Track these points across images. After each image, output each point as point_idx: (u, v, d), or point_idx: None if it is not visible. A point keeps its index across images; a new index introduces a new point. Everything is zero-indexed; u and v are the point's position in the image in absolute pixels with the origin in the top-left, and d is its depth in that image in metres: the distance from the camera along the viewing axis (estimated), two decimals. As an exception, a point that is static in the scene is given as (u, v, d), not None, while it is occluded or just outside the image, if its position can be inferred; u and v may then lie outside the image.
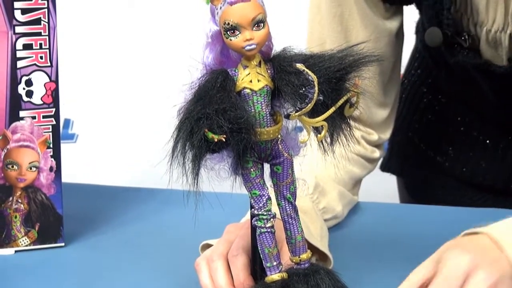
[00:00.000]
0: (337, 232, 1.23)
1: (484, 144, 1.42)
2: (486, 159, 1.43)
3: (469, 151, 1.44)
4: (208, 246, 1.14)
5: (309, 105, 0.97)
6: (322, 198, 1.26)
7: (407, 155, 1.56)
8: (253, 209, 1.01)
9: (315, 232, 1.17)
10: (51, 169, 1.24)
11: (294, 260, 1.03)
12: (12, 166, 1.23)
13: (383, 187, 1.63)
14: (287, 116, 0.99)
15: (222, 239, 1.12)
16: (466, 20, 1.28)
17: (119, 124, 2.22)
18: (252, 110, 0.98)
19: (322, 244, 1.15)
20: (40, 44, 1.22)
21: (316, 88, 0.96)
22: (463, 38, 1.29)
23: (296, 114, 0.98)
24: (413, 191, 1.59)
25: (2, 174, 1.23)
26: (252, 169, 0.99)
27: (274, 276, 1.01)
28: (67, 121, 2.22)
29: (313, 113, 0.99)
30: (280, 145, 1.00)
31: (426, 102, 1.44)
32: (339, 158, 1.12)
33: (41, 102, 1.23)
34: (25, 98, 1.22)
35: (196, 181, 0.97)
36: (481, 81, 1.34)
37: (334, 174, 1.28)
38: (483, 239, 1.01)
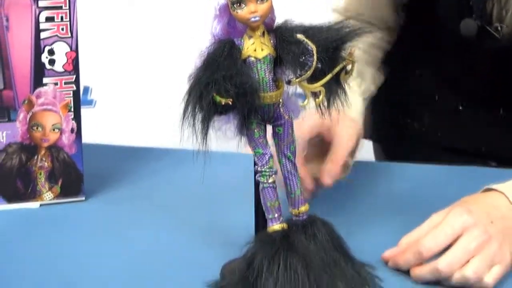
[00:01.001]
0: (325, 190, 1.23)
1: (457, 110, 1.41)
2: (460, 124, 1.42)
3: (443, 117, 1.43)
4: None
5: (308, 72, 0.98)
6: (362, 80, 1.32)
7: (385, 122, 1.56)
8: (256, 166, 1.01)
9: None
10: (72, 130, 1.25)
11: (293, 212, 1.04)
12: (37, 128, 1.24)
13: (360, 154, 1.62)
14: (288, 82, 1.00)
15: None
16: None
17: (133, 90, 2.22)
18: (256, 76, 0.98)
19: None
20: (61, 17, 1.22)
21: (315, 57, 0.96)
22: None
23: (297, 80, 0.99)
24: (391, 156, 1.58)
25: (28, 135, 1.24)
26: (255, 130, 1.00)
27: (275, 227, 1.02)
28: (86, 88, 2.22)
29: (311, 79, 0.99)
30: (281, 108, 1.01)
31: (403, 73, 1.42)
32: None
33: (63, 70, 1.23)
34: (48, 66, 1.22)
35: (205, 141, 0.98)
36: (476, 59, 1.34)
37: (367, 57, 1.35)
38: (496, 195, 1.09)
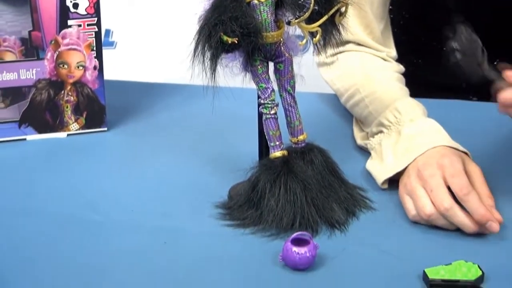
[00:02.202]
0: (310, 120, 1.22)
1: (441, 51, 1.39)
2: (443, 63, 1.40)
3: (427, 57, 1.42)
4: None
5: (306, 13, 0.97)
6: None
7: None
8: (260, 99, 1.02)
9: None
10: (95, 67, 1.25)
11: (293, 141, 1.04)
12: (63, 65, 1.24)
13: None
14: (288, 23, 1.00)
15: (435, 184, 1.02)
16: None
17: (149, 33, 2.20)
18: (259, 18, 0.98)
19: None
20: (84, -36, 1.21)
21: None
22: None
23: (296, 21, 0.98)
24: None
25: (55, 72, 1.24)
26: (259, 66, 1.00)
27: (276, 153, 1.02)
28: (107, 31, 2.20)
29: (309, 21, 0.99)
30: (282, 47, 1.01)
31: (392, 17, 1.38)
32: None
33: (85, 13, 1.22)
34: (72, 9, 1.22)
35: (213, 76, 0.98)
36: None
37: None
38: None
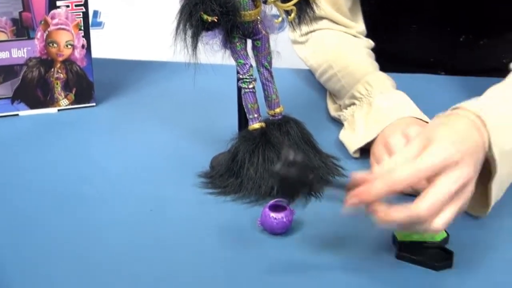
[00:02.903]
0: (286, 94, 1.23)
1: (410, 28, 1.39)
2: (411, 39, 1.40)
3: (400, 35, 1.41)
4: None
5: (282, -7, 0.97)
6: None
7: None
8: (239, 74, 1.02)
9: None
10: (83, 46, 1.24)
11: (270, 113, 1.04)
12: (53, 44, 1.23)
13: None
14: (265, 2, 1.00)
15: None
16: None
17: (135, 13, 2.19)
18: (238, -3, 0.97)
19: None
20: None
21: (287, -21, 0.96)
22: None
23: (272, 0, 0.98)
24: None
25: (45, 51, 1.23)
26: (238, 43, 1.00)
27: (255, 125, 1.03)
28: (95, 12, 2.19)
29: (285, 0, 0.99)
30: (259, 25, 1.01)
31: None
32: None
33: (73, -7, 1.22)
34: (60, -10, 1.21)
35: (195, 53, 0.98)
36: None
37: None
38: (470, 117, 0.87)
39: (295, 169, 0.82)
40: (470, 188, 0.83)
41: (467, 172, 0.82)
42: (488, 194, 0.91)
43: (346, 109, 1.16)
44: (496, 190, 0.91)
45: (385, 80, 1.15)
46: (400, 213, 0.81)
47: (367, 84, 1.14)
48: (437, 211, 0.80)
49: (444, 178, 0.81)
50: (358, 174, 0.83)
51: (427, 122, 1.07)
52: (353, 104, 1.15)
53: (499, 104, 0.93)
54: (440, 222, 0.81)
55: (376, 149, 1.05)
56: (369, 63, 1.20)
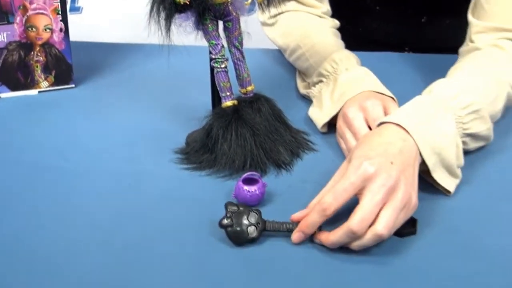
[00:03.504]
0: (257, 73, 1.22)
1: (374, 9, 1.40)
2: (377, 20, 1.41)
3: (362, 15, 1.41)
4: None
5: (251, -24, 0.97)
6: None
7: None
8: (211, 55, 1.01)
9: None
10: (61, 30, 1.23)
11: (242, 91, 1.04)
12: (32, 28, 1.22)
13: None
14: (235, -15, 0.99)
15: (357, 125, 1.01)
16: None
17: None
18: (209, -20, 0.97)
19: None
20: None
21: (256, -38, 0.96)
22: None
23: (241, -17, 0.98)
24: None
25: (25, 35, 1.22)
26: (209, 25, 0.99)
27: (228, 103, 1.02)
28: (74, -3, 2.17)
29: (254, -18, 0.99)
30: (230, 7, 1.00)
31: None
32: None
33: (51, -21, 1.20)
34: (38, -24, 1.20)
35: (168, 35, 0.97)
36: None
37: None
38: (391, 128, 0.90)
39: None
40: (404, 188, 0.84)
41: (387, 178, 0.83)
42: (436, 183, 0.94)
43: (314, 86, 1.16)
44: (440, 175, 0.93)
45: (350, 58, 1.15)
46: (336, 234, 0.83)
47: (333, 62, 1.14)
48: (368, 222, 0.82)
49: (367, 192, 0.83)
50: (296, 214, 0.88)
51: (387, 96, 1.07)
52: (321, 81, 1.15)
53: (418, 109, 0.94)
54: (380, 227, 0.82)
55: (338, 123, 1.05)
56: (334, 42, 1.20)
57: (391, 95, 1.08)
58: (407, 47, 1.41)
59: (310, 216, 0.85)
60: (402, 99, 1.09)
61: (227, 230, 0.86)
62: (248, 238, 0.86)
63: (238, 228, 0.86)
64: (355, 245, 0.83)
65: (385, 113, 1.02)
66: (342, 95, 1.08)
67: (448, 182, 0.94)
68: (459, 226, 0.90)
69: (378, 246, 0.86)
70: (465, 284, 0.81)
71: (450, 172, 0.94)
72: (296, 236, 0.86)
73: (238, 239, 0.86)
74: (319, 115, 1.10)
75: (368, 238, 0.82)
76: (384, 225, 0.82)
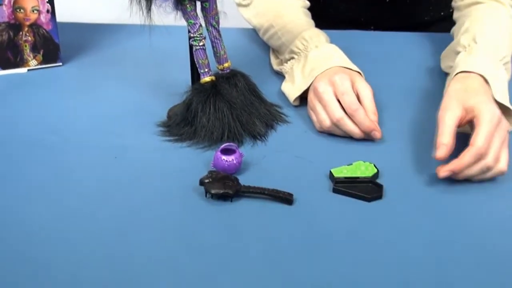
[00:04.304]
0: (233, 50, 1.22)
1: None
2: (344, 2, 1.40)
3: None
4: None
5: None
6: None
7: None
8: (190, 33, 1.01)
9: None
10: (48, 11, 1.22)
11: (219, 68, 1.04)
12: (20, 10, 1.20)
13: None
14: (211, -33, 0.98)
15: (327, 99, 1.02)
16: None
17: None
18: (186, -37, 0.96)
19: None
20: None
21: None
22: None
23: (218, -35, 0.97)
24: None
25: (13, 16, 1.20)
26: (188, 5, 0.99)
27: (206, 79, 1.02)
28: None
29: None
30: (207, -12, 1.00)
31: None
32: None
33: (37, -37, 1.19)
34: (25, -39, 1.18)
35: (149, 15, 0.97)
36: None
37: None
38: (479, 80, 0.98)
39: None
40: (506, 123, 0.93)
41: (495, 109, 0.92)
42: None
43: (287, 63, 1.16)
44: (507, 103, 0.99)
45: (319, 35, 1.15)
46: (464, 158, 0.88)
47: (304, 40, 1.14)
48: (490, 141, 0.89)
49: (481, 120, 0.91)
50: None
51: (354, 70, 1.07)
52: (292, 58, 1.15)
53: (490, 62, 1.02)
54: (503, 164, 0.90)
55: (309, 98, 1.06)
56: (305, 21, 1.20)
57: (358, 69, 1.08)
58: (372, 25, 1.42)
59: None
60: (368, 74, 1.10)
61: (206, 183, 0.87)
62: (226, 190, 0.87)
63: (216, 183, 0.87)
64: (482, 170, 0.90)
65: (353, 87, 1.03)
66: (312, 71, 1.08)
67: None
68: (420, 192, 0.91)
69: (345, 212, 0.87)
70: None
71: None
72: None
73: (216, 190, 0.87)
74: (291, 89, 1.11)
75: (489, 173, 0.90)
76: (505, 161, 0.90)
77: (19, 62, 1.23)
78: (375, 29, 1.42)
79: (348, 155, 0.97)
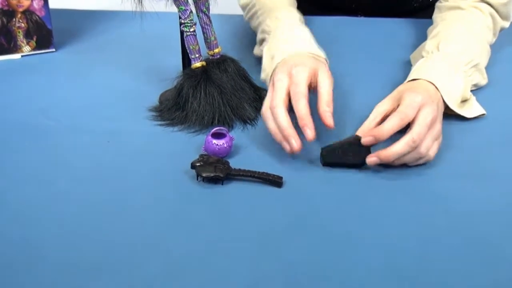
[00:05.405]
0: (223, 36, 1.22)
1: None
2: None
3: None
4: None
5: None
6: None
7: None
8: (180, 19, 1.00)
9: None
10: (40, -2, 1.21)
11: (209, 53, 1.04)
12: (13, -3, 1.20)
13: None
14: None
15: (277, 87, 0.95)
16: None
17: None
18: (177, -49, 0.95)
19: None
20: None
21: None
22: None
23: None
24: None
25: (6, 2, 1.19)
26: (179, -8, 0.98)
27: (197, 64, 1.02)
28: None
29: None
30: (197, -25, 0.99)
31: None
32: None
33: (30, -50, 1.18)
34: None
35: (141, 2, 0.96)
36: None
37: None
38: (426, 84, 0.97)
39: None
40: (439, 125, 0.93)
41: (433, 108, 0.92)
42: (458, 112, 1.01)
43: (261, 44, 1.13)
44: (456, 108, 1.00)
45: (294, 16, 1.11)
46: (399, 145, 0.89)
47: (276, 19, 1.10)
48: (423, 134, 0.89)
49: (421, 112, 0.91)
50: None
51: (320, 57, 1.02)
52: (264, 39, 1.12)
53: (440, 67, 1.02)
54: (432, 153, 0.91)
55: (270, 83, 1.00)
56: (285, 2, 1.15)
57: (324, 56, 1.03)
58: (361, 12, 1.42)
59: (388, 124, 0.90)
60: (355, 60, 1.10)
61: (197, 166, 0.87)
62: (216, 174, 0.87)
63: (207, 166, 0.87)
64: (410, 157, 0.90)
65: (314, 76, 0.97)
66: (277, 55, 1.03)
67: (464, 112, 1.02)
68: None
69: (337, 190, 0.88)
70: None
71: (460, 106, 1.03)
72: (367, 139, 0.90)
73: (206, 173, 0.87)
74: (262, 74, 1.07)
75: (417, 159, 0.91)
76: (426, 147, 0.90)
77: (13, 48, 1.23)
78: (364, 15, 1.42)
79: (339, 138, 0.97)
